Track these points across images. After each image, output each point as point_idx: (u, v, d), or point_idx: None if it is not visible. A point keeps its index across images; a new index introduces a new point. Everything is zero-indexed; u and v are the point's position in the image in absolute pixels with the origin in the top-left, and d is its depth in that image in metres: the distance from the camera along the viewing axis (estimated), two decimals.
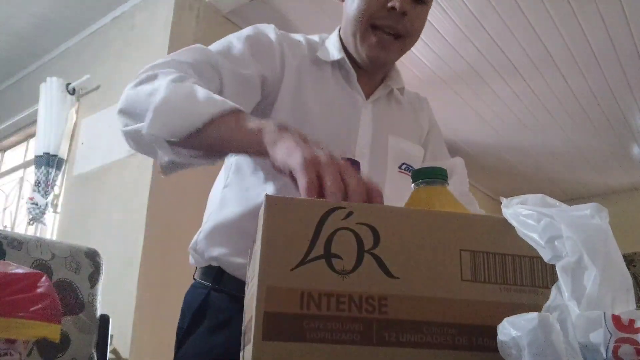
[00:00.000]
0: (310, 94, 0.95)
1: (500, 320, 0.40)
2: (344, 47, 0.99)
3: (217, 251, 0.91)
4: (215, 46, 0.90)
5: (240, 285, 0.88)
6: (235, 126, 0.67)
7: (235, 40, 0.91)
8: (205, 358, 0.86)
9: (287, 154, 0.57)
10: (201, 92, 0.72)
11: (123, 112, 0.78)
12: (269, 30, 0.97)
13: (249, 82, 0.88)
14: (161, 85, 0.73)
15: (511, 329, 0.39)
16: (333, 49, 0.99)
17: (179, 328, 0.94)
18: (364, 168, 0.91)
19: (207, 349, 0.87)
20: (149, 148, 0.75)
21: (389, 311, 0.45)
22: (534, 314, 0.38)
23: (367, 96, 1.01)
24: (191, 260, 0.98)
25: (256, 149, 0.64)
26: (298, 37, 1.02)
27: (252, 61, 0.89)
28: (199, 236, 0.96)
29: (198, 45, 0.87)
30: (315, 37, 1.04)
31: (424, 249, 0.47)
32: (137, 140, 0.76)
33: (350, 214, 0.46)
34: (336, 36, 1.01)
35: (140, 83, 0.77)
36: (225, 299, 0.90)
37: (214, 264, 0.92)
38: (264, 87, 0.91)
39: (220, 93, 0.83)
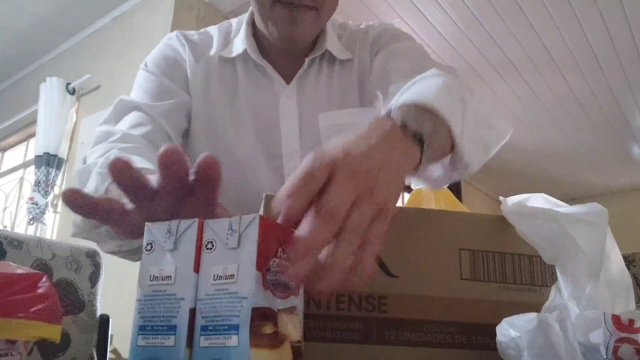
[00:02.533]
0: (219, 100, 0.85)
1: (499, 319, 0.40)
2: (254, 33, 0.87)
3: None
4: (135, 90, 0.85)
5: None
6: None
7: (148, 74, 0.85)
8: None
9: None
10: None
11: None
12: (173, 40, 0.89)
13: (183, 108, 0.82)
14: None
15: (510, 330, 0.39)
16: (238, 40, 0.87)
17: None
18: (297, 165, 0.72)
19: None
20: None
21: (388, 310, 0.45)
22: (533, 315, 0.38)
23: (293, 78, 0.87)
24: None
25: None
26: (212, 31, 0.91)
27: (170, 85, 0.83)
28: None
29: (120, 98, 0.81)
30: (234, 23, 0.91)
31: (423, 248, 0.47)
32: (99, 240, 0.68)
33: None
34: (244, 22, 0.88)
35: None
36: None
37: None
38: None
39: (167, 135, 0.79)
